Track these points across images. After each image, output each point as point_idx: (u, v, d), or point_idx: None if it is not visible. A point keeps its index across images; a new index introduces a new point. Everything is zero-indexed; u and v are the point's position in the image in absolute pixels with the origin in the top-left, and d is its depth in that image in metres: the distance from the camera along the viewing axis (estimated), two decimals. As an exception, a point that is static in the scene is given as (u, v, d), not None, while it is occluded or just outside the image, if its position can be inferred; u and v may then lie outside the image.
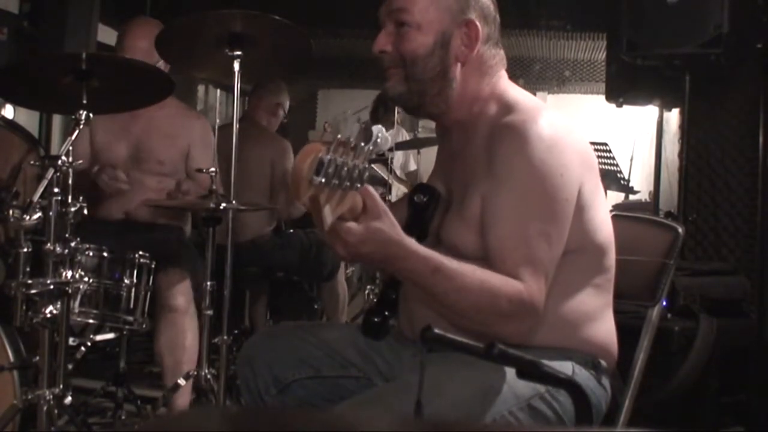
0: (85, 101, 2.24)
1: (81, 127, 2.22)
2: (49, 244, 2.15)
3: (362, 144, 1.31)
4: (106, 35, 3.98)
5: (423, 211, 1.62)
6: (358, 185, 1.32)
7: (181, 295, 2.76)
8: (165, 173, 3.07)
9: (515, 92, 1.69)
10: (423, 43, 1.65)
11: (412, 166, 5.69)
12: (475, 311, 1.52)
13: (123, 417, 2.95)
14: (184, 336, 2.75)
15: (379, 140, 3.93)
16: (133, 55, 2.85)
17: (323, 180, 1.26)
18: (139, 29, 2.98)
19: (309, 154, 1.26)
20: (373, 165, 4.20)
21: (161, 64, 2.78)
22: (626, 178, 4.95)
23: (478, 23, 1.66)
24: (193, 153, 3.11)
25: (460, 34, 1.66)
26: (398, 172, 5.44)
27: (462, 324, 1.54)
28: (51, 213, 2.15)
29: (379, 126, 4.11)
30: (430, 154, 1.98)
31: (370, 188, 1.41)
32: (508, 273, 1.51)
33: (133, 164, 3.04)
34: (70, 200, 2.20)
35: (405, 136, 5.50)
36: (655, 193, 4.38)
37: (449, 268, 1.49)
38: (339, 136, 1.29)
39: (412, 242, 1.48)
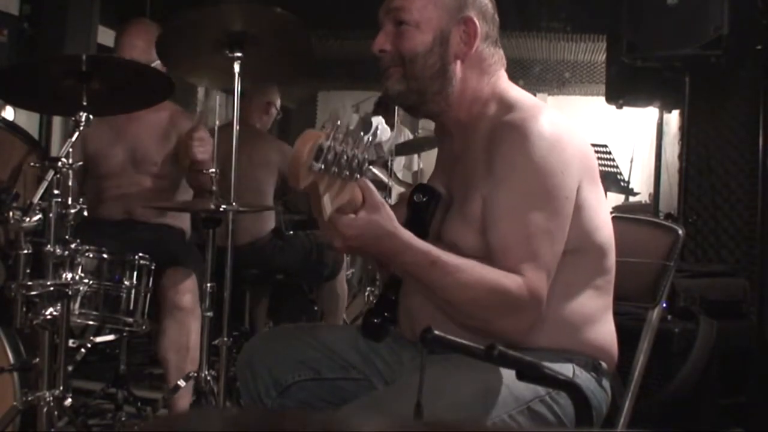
0: (85, 103, 2.24)
1: (81, 128, 2.22)
2: (49, 246, 2.15)
3: (362, 134, 1.30)
4: (106, 37, 3.98)
5: (423, 210, 1.62)
6: (358, 175, 1.31)
7: (188, 293, 2.75)
8: (160, 175, 3.08)
9: (515, 92, 1.69)
10: (422, 41, 1.66)
11: (416, 166, 5.65)
12: (475, 306, 1.52)
13: (123, 419, 2.94)
14: (189, 336, 2.74)
15: (378, 131, 3.86)
16: (130, 52, 2.90)
17: (322, 167, 1.24)
18: (136, 28, 3.02)
19: (308, 141, 1.24)
20: (372, 168, 4.15)
21: (157, 64, 2.77)
22: (626, 179, 4.95)
23: (476, 20, 1.67)
24: None
25: (458, 31, 1.66)
26: (400, 175, 5.41)
27: (463, 320, 1.54)
28: (51, 215, 2.15)
29: (379, 117, 4.04)
30: (432, 154, 1.98)
31: (368, 181, 1.41)
32: (510, 269, 1.51)
33: (132, 166, 3.07)
34: (70, 202, 2.20)
35: (408, 135, 5.46)
36: (655, 194, 4.39)
37: (447, 262, 1.49)
38: (338, 122, 1.28)
39: (409, 235, 1.48)
